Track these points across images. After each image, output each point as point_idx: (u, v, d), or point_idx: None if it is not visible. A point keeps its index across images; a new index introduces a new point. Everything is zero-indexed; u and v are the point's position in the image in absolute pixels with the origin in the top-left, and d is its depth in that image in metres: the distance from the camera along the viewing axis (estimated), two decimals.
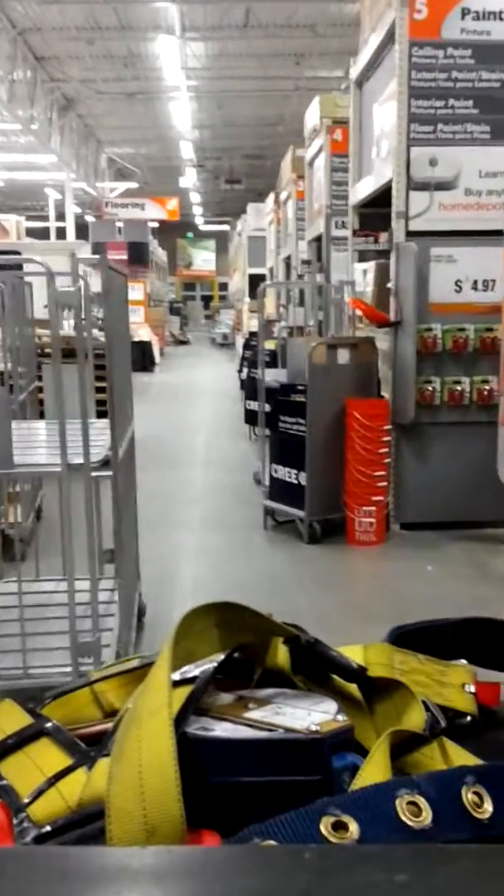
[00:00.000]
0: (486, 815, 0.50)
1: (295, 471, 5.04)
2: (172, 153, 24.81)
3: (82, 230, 27.28)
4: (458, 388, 4.99)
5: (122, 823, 0.49)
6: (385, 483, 4.92)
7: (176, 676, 0.63)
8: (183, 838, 0.49)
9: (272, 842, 0.47)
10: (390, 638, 0.74)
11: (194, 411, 11.76)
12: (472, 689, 0.70)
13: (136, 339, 18.39)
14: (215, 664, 0.66)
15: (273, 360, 8.30)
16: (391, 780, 0.52)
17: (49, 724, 0.63)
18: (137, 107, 19.72)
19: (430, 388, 4.96)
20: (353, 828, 0.47)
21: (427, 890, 0.39)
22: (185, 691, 0.62)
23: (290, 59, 16.25)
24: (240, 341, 23.67)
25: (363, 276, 5.89)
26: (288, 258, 13.07)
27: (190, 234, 39.84)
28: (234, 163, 27.05)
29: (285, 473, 5.14)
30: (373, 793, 0.50)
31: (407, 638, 0.74)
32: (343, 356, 4.94)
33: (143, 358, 17.96)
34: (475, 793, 0.51)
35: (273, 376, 6.10)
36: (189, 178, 25.09)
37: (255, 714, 0.63)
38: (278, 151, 23.57)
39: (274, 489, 5.29)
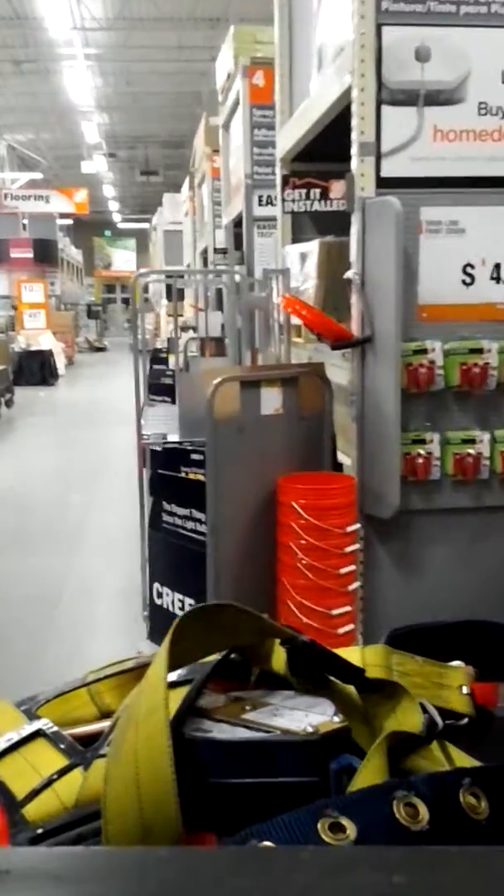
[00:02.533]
0: (484, 817, 0.49)
1: (191, 599, 2.88)
2: (78, 139, 22.35)
3: None
4: (471, 450, 2.89)
5: (118, 824, 0.49)
6: (349, 623, 2.78)
7: (173, 677, 0.62)
8: (180, 839, 0.48)
9: (269, 843, 0.46)
10: (387, 640, 0.72)
11: (85, 447, 9.35)
12: (470, 690, 0.68)
13: (35, 347, 15.93)
14: (212, 665, 0.66)
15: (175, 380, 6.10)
16: (388, 782, 0.52)
17: (45, 725, 0.63)
18: (31, 81, 17.25)
19: (423, 453, 2.85)
20: (351, 829, 0.47)
21: (424, 892, 0.39)
22: (181, 692, 0.62)
23: (204, 23, 14.11)
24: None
25: (300, 263, 3.74)
26: (205, 251, 10.92)
27: (107, 233, 37.38)
28: (150, 152, 24.75)
29: (174, 602, 2.95)
30: (370, 794, 0.50)
31: (404, 640, 0.72)
32: (270, 400, 2.78)
33: (41, 369, 15.50)
34: (472, 794, 0.50)
35: (166, 420, 3.89)
36: (96, 165, 22.61)
37: (252, 715, 0.64)
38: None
39: (157, 625, 3.10)
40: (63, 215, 26.39)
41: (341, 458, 3.00)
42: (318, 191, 3.45)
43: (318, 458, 2.89)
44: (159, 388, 6.66)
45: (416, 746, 0.59)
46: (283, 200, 3.69)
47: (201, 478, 2.86)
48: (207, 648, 0.67)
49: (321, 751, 0.58)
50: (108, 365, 21.71)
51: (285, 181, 3.64)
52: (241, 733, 0.61)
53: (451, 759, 0.60)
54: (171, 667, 0.59)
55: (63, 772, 0.59)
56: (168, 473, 2.99)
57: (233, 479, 2.74)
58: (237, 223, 6.96)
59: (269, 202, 6.20)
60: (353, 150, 2.77)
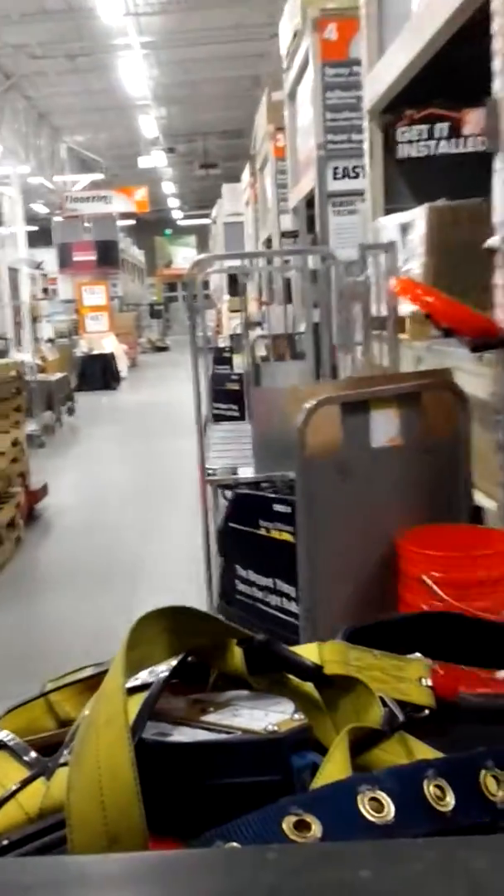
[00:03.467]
0: (449, 808, 0.50)
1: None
2: (135, 136, 21.79)
3: (48, 234, 24.43)
4: None
5: (83, 832, 0.49)
6: None
7: (131, 683, 0.62)
8: (145, 845, 0.49)
9: (235, 844, 0.46)
10: (345, 635, 0.71)
11: (147, 461, 8.64)
12: (429, 682, 0.68)
13: (97, 351, 15.41)
14: (170, 669, 0.66)
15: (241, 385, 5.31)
16: (352, 777, 0.52)
17: (5, 736, 0.63)
18: (87, 78, 16.72)
19: None
20: (316, 826, 0.47)
21: (392, 884, 0.39)
22: (140, 698, 0.62)
23: None
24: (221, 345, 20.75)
25: (400, 237, 2.91)
26: (268, 240, 10.14)
27: (168, 231, 36.92)
28: (208, 144, 24.05)
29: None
30: (334, 790, 0.50)
31: (361, 635, 0.71)
32: (384, 427, 1.96)
33: (103, 374, 14.96)
34: (437, 786, 0.51)
35: (235, 445, 3.10)
36: (154, 160, 22.02)
37: (212, 717, 0.64)
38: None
39: None
40: (124, 215, 25.99)
41: (480, 499, 2.15)
42: (444, 125, 2.57)
43: (450, 503, 2.06)
44: (223, 395, 5.82)
45: (378, 741, 0.58)
46: (396, 144, 2.82)
47: (289, 537, 2.06)
48: (164, 652, 0.65)
49: (283, 749, 0.58)
50: (171, 366, 21.13)
51: (397, 117, 2.76)
52: (202, 735, 0.61)
53: (413, 751, 0.59)
54: (129, 673, 0.58)
55: (26, 782, 0.59)
56: (243, 529, 2.21)
57: (333, 539, 1.94)
58: (308, 203, 6.15)
59: (346, 174, 5.37)
60: (497, 65, 1.92)
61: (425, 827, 0.49)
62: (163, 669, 0.66)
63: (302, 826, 0.47)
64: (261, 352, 5.77)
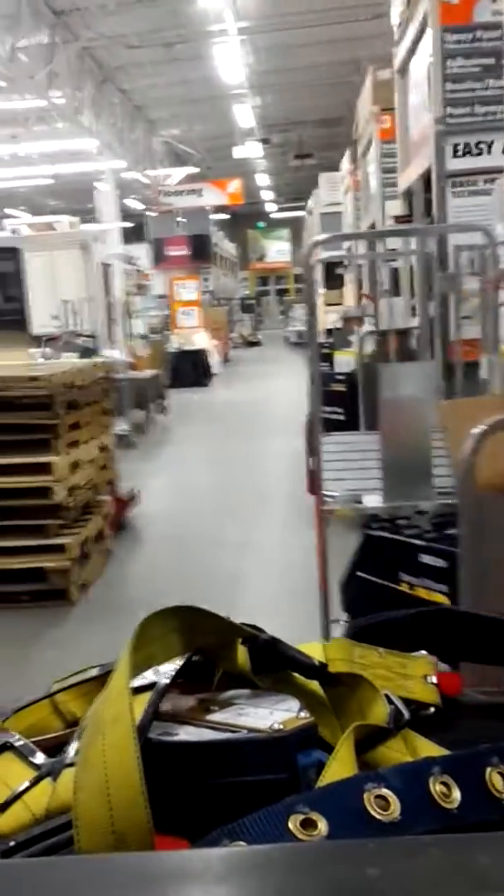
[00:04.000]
0: (455, 805, 0.50)
1: None
2: (230, 127, 21.45)
3: (142, 229, 24.44)
4: None
5: (90, 832, 0.49)
6: None
7: (136, 682, 0.62)
8: (152, 845, 0.49)
9: (241, 843, 0.47)
10: (349, 633, 0.72)
11: (242, 463, 8.21)
12: (435, 679, 0.68)
13: (189, 347, 15.15)
14: (175, 668, 0.66)
15: (354, 389, 4.79)
16: (358, 775, 0.52)
17: (11, 737, 0.63)
18: (182, 68, 16.45)
19: None
20: (322, 824, 0.47)
21: (400, 882, 0.39)
22: (146, 697, 0.62)
23: None
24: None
25: None
26: (372, 227, 9.57)
27: (261, 224, 36.56)
28: (304, 133, 23.49)
29: None
30: (340, 788, 0.50)
31: (366, 632, 0.72)
32: None
33: (195, 370, 14.67)
34: (443, 783, 0.51)
35: (353, 461, 2.62)
36: (248, 151, 21.61)
37: (217, 716, 0.64)
38: (354, 112, 20.10)
39: None
40: (217, 209, 25.78)
41: None
42: None
43: None
44: (327, 397, 5.30)
45: (383, 738, 0.58)
46: None
47: (442, 599, 1.56)
48: (169, 652, 0.65)
49: (288, 747, 0.59)
50: (263, 362, 20.77)
51: None
52: (207, 734, 0.61)
53: (418, 749, 0.59)
54: (134, 672, 0.59)
55: (32, 783, 0.59)
56: (376, 581, 1.72)
57: None
58: (424, 181, 5.58)
59: (469, 151, 4.78)
60: None
61: (431, 824, 0.49)
62: (168, 669, 0.66)
63: (308, 824, 0.47)
64: (367, 349, 5.26)
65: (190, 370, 14.65)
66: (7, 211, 22.78)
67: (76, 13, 13.53)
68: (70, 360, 5.92)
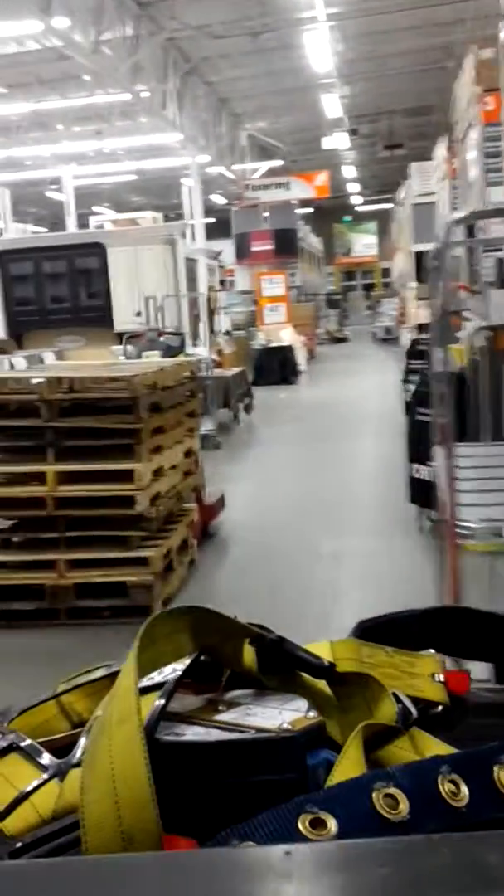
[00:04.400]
0: (463, 804, 0.50)
1: None
2: (317, 118, 20.97)
3: (225, 225, 24.25)
4: None
5: (97, 833, 0.49)
6: None
7: (143, 683, 0.62)
8: (160, 845, 0.49)
9: (251, 843, 0.46)
10: (356, 632, 0.72)
11: (333, 470, 7.76)
12: (442, 678, 0.68)
13: (275, 343, 14.79)
14: (183, 668, 0.66)
15: (461, 389, 4.31)
16: (367, 774, 0.53)
17: (18, 739, 0.63)
18: (270, 58, 16.09)
19: None
20: (332, 824, 0.47)
21: (410, 880, 0.39)
22: (153, 697, 0.62)
23: None
24: (404, 336, 19.53)
25: None
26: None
27: (347, 218, 35.91)
28: (394, 122, 22.81)
29: None
30: (349, 787, 0.50)
31: (373, 631, 0.72)
32: None
33: (281, 368, 14.30)
34: (451, 781, 0.51)
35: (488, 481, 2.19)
36: (335, 141, 21.07)
37: (225, 716, 0.64)
38: (447, 98, 19.32)
39: None
40: (303, 203, 25.35)
41: None
42: None
43: None
44: (421, 395, 4.87)
45: (392, 737, 0.59)
46: None
47: None
48: (176, 652, 0.65)
49: (297, 747, 0.58)
50: (350, 358, 20.22)
51: None
52: (216, 734, 0.61)
53: (427, 747, 0.59)
54: (141, 672, 0.59)
55: (39, 784, 0.59)
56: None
57: None
58: None
59: None
60: None
61: (440, 823, 0.48)
62: (176, 669, 0.65)
63: (318, 824, 0.47)
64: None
65: (276, 367, 14.29)
66: (93, 208, 22.92)
67: (161, 4, 13.33)
68: (154, 358, 5.64)
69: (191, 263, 12.04)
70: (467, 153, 9.67)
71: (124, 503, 3.93)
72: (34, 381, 3.99)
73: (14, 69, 13.76)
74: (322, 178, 21.71)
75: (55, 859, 0.52)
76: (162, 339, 6.24)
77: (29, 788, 0.58)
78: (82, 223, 17.63)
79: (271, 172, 23.06)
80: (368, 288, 38.04)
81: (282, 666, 0.65)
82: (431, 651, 0.70)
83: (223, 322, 14.87)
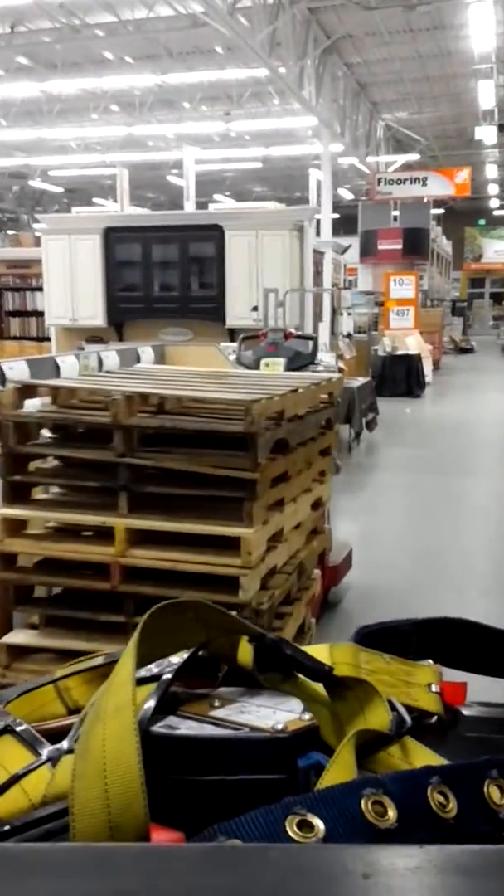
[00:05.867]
0: (452, 816, 0.50)
1: None
2: (465, 110, 19.24)
3: (351, 221, 22.86)
4: None
5: (85, 820, 0.49)
6: None
7: (141, 674, 0.63)
8: (147, 837, 0.49)
9: (237, 841, 0.47)
10: (356, 638, 0.72)
11: (471, 504, 6.27)
12: (438, 688, 0.69)
13: (401, 350, 13.28)
14: (181, 662, 0.67)
15: None
16: (357, 780, 0.53)
17: (12, 721, 0.63)
18: (420, 39, 14.57)
19: None
20: (319, 827, 0.47)
21: (392, 889, 0.40)
22: (149, 689, 0.63)
23: None
24: None
25: None
26: None
27: (481, 221, 33.76)
28: None
29: None
30: (338, 792, 0.50)
31: (372, 638, 0.72)
32: None
33: (407, 378, 12.80)
34: (441, 793, 0.51)
35: None
36: (484, 133, 19.26)
37: (220, 712, 0.64)
38: None
39: None
40: (436, 203, 23.62)
41: None
42: None
43: None
44: None
45: (384, 744, 0.58)
46: None
47: None
48: (175, 645, 0.66)
49: (289, 748, 0.59)
50: (478, 371, 18.44)
51: None
52: (209, 730, 0.62)
53: (418, 757, 0.58)
54: (140, 663, 0.60)
55: (30, 768, 0.59)
56: None
57: None
58: None
59: None
60: None
61: (428, 833, 0.48)
62: (173, 662, 0.66)
63: (305, 826, 0.47)
64: None
65: (401, 377, 12.80)
66: (213, 196, 21.89)
67: None
68: (277, 369, 4.35)
69: (317, 256, 10.68)
70: None
71: (223, 584, 2.64)
72: (112, 392, 2.75)
73: (142, 36, 12.78)
74: (463, 174, 19.95)
75: (42, 844, 0.52)
76: (289, 343, 4.90)
77: (20, 772, 0.58)
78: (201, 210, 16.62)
79: (406, 167, 21.47)
80: (496, 297, 35.84)
81: (280, 666, 0.64)
82: (429, 661, 0.69)
83: (345, 324, 13.46)
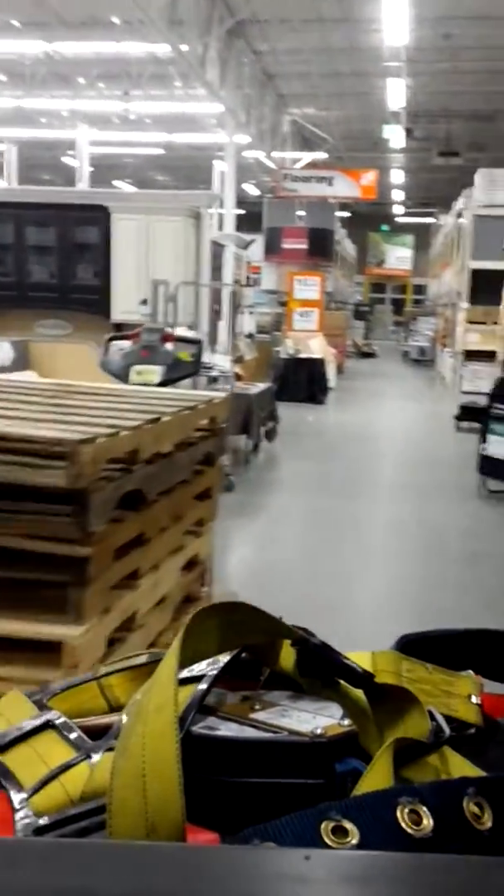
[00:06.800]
0: (486, 828, 0.50)
1: None
2: (372, 110, 18.82)
3: (255, 218, 22.17)
4: None
5: (122, 819, 0.50)
6: None
7: (183, 674, 0.62)
8: (182, 837, 0.49)
9: (272, 844, 0.47)
10: (398, 645, 0.72)
11: (377, 531, 5.57)
12: (479, 700, 0.68)
13: (304, 354, 12.62)
14: (223, 663, 0.66)
15: None
16: (393, 788, 0.53)
17: (55, 717, 0.63)
18: (331, 30, 13.96)
19: None
20: (353, 833, 0.48)
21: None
22: (191, 689, 0.63)
23: None
24: (445, 361, 17.36)
25: None
26: None
27: (385, 227, 33.75)
28: (452, 127, 20.65)
29: None
30: (374, 799, 0.51)
31: (414, 646, 0.72)
32: None
33: (309, 383, 12.13)
34: (476, 804, 0.51)
35: None
36: (392, 134, 18.88)
37: (260, 715, 0.65)
38: None
39: None
40: (341, 205, 23.24)
41: None
42: None
43: None
44: None
45: (422, 753, 0.58)
46: None
47: None
48: (219, 646, 0.65)
49: (327, 753, 0.59)
50: (382, 377, 18.06)
51: None
52: (249, 732, 0.62)
53: (456, 768, 0.59)
54: (182, 663, 0.58)
55: (70, 764, 0.59)
56: None
57: None
58: None
59: None
60: None
61: (462, 844, 0.49)
62: (216, 663, 0.66)
63: (339, 832, 0.47)
64: None
65: (303, 382, 12.11)
66: (113, 183, 20.77)
67: None
68: (151, 377, 3.46)
69: (217, 249, 9.85)
70: None
71: None
72: None
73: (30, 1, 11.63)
74: (370, 176, 19.54)
75: (78, 840, 0.52)
76: (168, 346, 4.00)
77: (60, 768, 0.58)
78: None
79: (312, 166, 20.92)
80: (397, 303, 35.99)
81: (322, 671, 0.65)
82: (471, 672, 0.70)
83: (247, 323, 12.68)
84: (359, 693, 0.63)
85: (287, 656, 0.67)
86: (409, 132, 20.91)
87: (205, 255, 7.68)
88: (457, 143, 21.26)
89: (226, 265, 10.64)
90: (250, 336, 13.13)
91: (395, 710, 0.61)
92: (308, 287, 14.03)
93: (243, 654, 0.67)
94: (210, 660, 0.64)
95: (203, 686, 0.62)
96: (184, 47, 12.07)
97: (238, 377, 9.09)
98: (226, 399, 2.59)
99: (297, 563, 5.15)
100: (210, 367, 6.34)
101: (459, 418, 9.98)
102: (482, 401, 9.72)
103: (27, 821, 0.55)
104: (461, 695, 0.67)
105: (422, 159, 23.42)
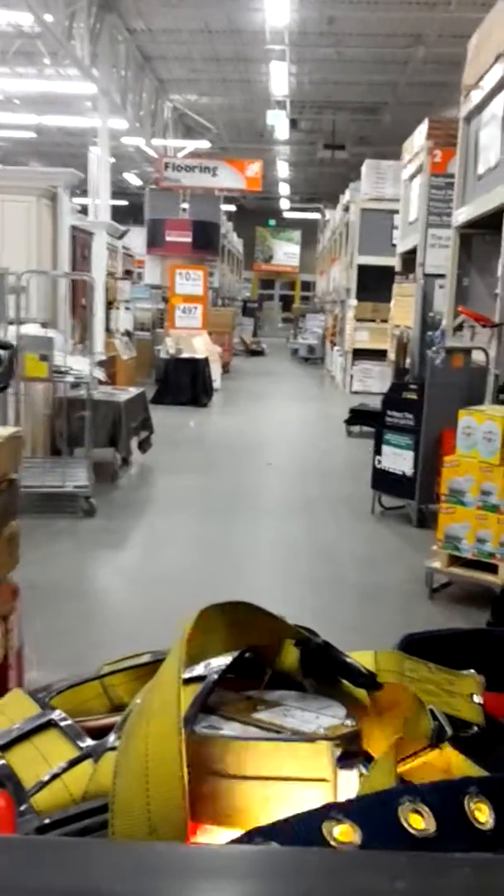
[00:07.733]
0: (488, 826, 0.48)
1: None
2: (257, 95, 18.12)
3: (139, 210, 21.13)
4: None
5: (125, 818, 0.48)
6: None
7: (187, 674, 0.61)
8: (185, 837, 0.47)
9: (275, 844, 0.45)
10: (401, 645, 0.71)
11: (263, 558, 4.80)
12: (480, 699, 0.67)
13: (187, 353, 11.77)
14: (226, 663, 0.65)
15: None
16: (395, 788, 0.51)
17: (57, 716, 0.63)
18: (211, 11, 13.13)
19: None
20: (356, 833, 0.46)
21: None
22: (194, 689, 0.62)
23: None
24: (335, 359, 16.85)
25: None
26: (471, 224, 6.29)
27: (272, 222, 33.29)
28: (338, 119, 20.23)
29: None
30: (376, 799, 0.49)
31: (417, 646, 0.71)
32: None
33: (192, 384, 11.29)
34: (478, 803, 0.49)
35: None
36: (276, 121, 18.23)
37: (263, 715, 0.64)
38: (403, 99, 16.87)
39: None
40: (227, 198, 22.50)
41: None
42: None
43: None
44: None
45: (424, 753, 0.57)
46: None
47: None
48: (222, 646, 0.65)
49: (330, 754, 0.57)
50: (269, 376, 17.40)
51: None
52: (252, 733, 0.61)
53: (457, 767, 0.57)
54: (185, 663, 0.57)
55: (73, 763, 0.58)
56: None
57: None
58: None
59: None
60: None
61: (464, 843, 0.47)
62: (220, 663, 0.64)
63: (342, 832, 0.46)
64: None
65: (186, 383, 11.26)
66: None
67: None
68: None
69: (85, 238, 8.84)
70: (471, 136, 6.97)
71: None
72: None
73: None
74: (255, 168, 18.86)
75: (80, 839, 0.51)
76: None
77: (63, 767, 0.57)
78: None
79: (196, 155, 20.07)
80: (285, 300, 35.66)
81: (325, 671, 0.65)
82: (473, 672, 0.68)
83: (122, 320, 11.70)
84: (361, 692, 0.66)
85: (290, 656, 0.69)
86: (294, 123, 20.36)
87: (63, 241, 6.69)
88: (342, 136, 20.84)
89: (97, 256, 9.63)
90: (128, 334, 12.17)
91: (397, 709, 0.63)
92: (191, 281, 13.18)
93: (246, 654, 0.68)
94: (213, 660, 0.65)
95: (206, 686, 0.62)
96: (48, 17, 10.98)
97: (111, 379, 8.14)
98: (13, 438, 1.71)
99: (163, 606, 4.29)
100: (63, 373, 5.41)
101: (350, 422, 9.37)
102: (372, 402, 9.20)
103: (29, 819, 0.54)
104: (463, 694, 0.67)
105: (308, 152, 22.95)
